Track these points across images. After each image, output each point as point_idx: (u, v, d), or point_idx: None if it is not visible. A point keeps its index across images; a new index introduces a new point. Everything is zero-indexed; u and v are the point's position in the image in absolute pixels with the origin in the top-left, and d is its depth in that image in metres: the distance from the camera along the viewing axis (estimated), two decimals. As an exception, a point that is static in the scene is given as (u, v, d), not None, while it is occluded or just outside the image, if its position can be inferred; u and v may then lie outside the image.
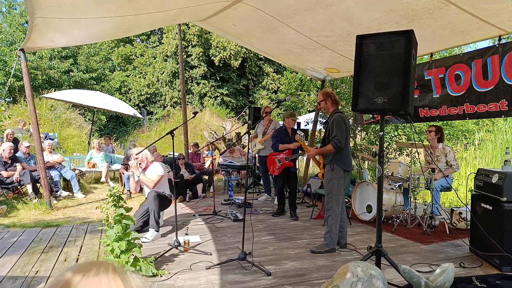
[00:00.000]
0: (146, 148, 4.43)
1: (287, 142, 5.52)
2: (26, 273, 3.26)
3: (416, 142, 4.97)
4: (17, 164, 6.43)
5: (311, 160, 9.26)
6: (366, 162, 9.43)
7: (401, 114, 2.81)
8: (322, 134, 12.15)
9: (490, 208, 3.58)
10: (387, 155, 9.16)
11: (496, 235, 3.46)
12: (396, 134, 9.47)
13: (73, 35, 5.60)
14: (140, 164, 4.35)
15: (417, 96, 5.57)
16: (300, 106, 14.01)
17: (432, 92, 5.35)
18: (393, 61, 2.51)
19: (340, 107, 4.06)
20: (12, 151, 6.39)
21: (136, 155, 4.33)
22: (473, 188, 3.92)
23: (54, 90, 13.86)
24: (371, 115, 6.76)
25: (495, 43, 4.42)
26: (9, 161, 6.38)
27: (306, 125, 11.27)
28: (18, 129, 9.68)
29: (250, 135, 5.69)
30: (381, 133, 2.75)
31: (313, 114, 12.06)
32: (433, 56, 5.38)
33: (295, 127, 6.03)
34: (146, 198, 4.57)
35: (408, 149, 8.13)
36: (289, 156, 5.46)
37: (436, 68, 5.25)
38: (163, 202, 4.42)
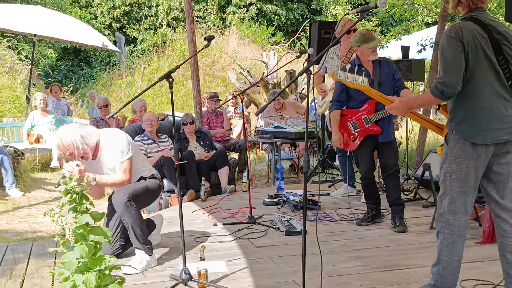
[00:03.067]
0: (121, 108, 4.39)
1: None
2: None
3: None
4: None
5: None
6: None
7: None
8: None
9: None
10: None
11: None
12: None
13: None
14: (82, 158, 4.15)
15: None
16: (408, 17, 13.56)
17: None
18: None
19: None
20: None
21: (64, 149, 4.08)
22: None
23: (-35, 7, 14.33)
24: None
25: None
26: None
27: (420, 52, 10.92)
28: None
29: (312, 76, 5.59)
30: None
31: (433, 30, 11.66)
32: None
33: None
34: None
35: None
36: (370, 116, 5.36)
37: None
38: (145, 199, 4.50)
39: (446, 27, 3.50)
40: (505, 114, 3.36)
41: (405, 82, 6.33)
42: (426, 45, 10.61)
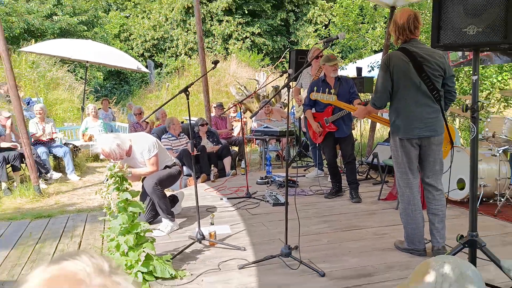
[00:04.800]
0: (151, 114, 4.43)
1: None
2: (15, 276, 3.52)
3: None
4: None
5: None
6: (457, 120, 9.10)
7: (504, 49, 2.63)
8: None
9: None
10: (487, 109, 8.76)
11: None
12: (500, 79, 8.99)
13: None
14: (119, 159, 4.12)
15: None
16: (361, 46, 13.60)
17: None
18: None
19: (417, 38, 3.55)
20: None
21: (106, 155, 4.11)
22: None
23: (36, 41, 14.31)
24: (460, 54, 6.44)
25: None
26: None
27: (370, 71, 10.98)
28: None
29: (291, 89, 5.63)
30: (474, 78, 2.62)
31: (379, 55, 11.70)
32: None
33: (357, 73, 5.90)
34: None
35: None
36: (329, 117, 5.41)
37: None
38: (167, 182, 4.53)
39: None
40: (426, 117, 3.46)
41: (359, 94, 6.39)
42: (374, 67, 10.68)
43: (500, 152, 5.13)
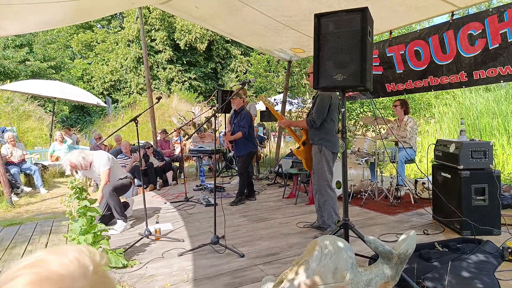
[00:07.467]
0: (107, 138, 4.25)
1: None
2: (-11, 274, 3.12)
3: (377, 117, 5.12)
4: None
5: (282, 141, 9.34)
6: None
7: (361, 90, 2.86)
8: (292, 114, 12.06)
9: (449, 176, 3.76)
10: (354, 132, 9.37)
11: (455, 202, 3.65)
12: (362, 111, 9.69)
13: (26, 21, 5.27)
14: (84, 170, 4.10)
15: (381, 73, 5.70)
16: (269, 87, 14.01)
17: (395, 68, 5.48)
18: (351, 38, 2.53)
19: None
20: None
21: (73, 166, 3.99)
22: (433, 159, 4.09)
23: (10, 81, 13.14)
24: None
25: (449, 20, 4.56)
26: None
27: (275, 106, 11.33)
28: None
29: (217, 118, 5.63)
30: (342, 110, 2.79)
31: (281, 95, 12.14)
32: (392, 33, 5.48)
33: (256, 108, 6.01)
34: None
35: (373, 125, 8.38)
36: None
37: (396, 45, 5.36)
38: (121, 190, 4.33)
39: (319, 91, 3.75)
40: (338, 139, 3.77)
41: (268, 122, 6.51)
42: (278, 102, 11.00)
43: (363, 161, 5.49)
